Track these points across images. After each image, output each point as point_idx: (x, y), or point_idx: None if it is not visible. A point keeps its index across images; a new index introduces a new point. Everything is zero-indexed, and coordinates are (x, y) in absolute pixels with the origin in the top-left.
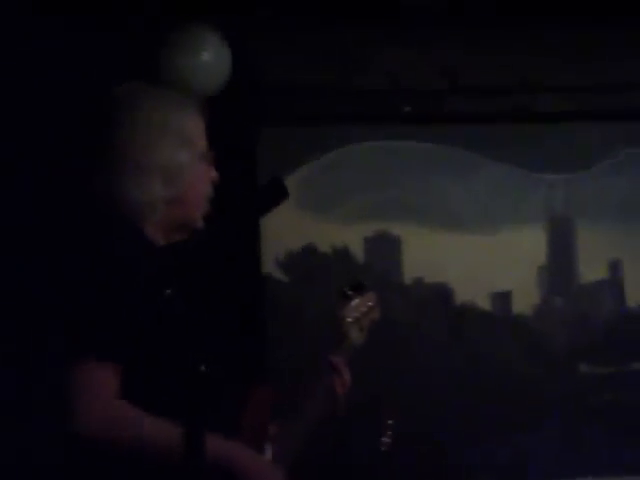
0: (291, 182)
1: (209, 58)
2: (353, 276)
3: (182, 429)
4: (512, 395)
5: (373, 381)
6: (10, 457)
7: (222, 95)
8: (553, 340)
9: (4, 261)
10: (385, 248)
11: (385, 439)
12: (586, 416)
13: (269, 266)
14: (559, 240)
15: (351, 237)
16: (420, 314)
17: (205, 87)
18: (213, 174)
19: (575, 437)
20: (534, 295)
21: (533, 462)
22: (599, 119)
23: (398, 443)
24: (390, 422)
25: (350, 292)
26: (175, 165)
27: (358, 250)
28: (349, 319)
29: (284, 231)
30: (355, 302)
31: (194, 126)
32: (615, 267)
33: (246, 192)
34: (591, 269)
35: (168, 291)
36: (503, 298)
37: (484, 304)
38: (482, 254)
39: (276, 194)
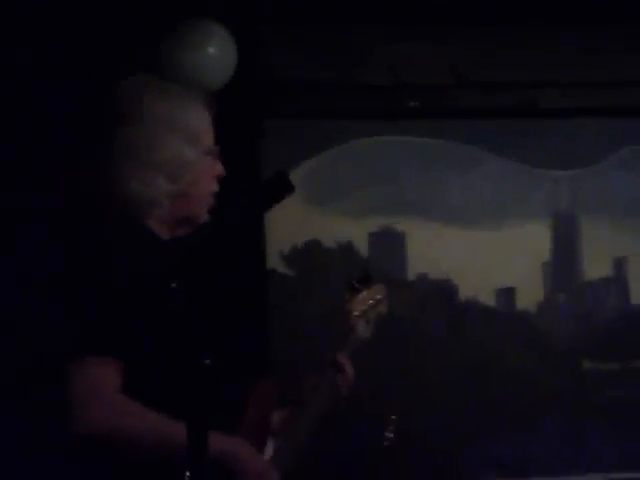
0: (295, 177)
1: (215, 52)
2: (362, 269)
3: (184, 424)
4: (514, 391)
5: (376, 376)
6: (11, 455)
7: (226, 89)
8: (556, 336)
9: (6, 255)
10: (389, 243)
11: (388, 434)
12: (588, 412)
13: (273, 260)
14: (563, 236)
15: (356, 232)
16: (424, 309)
17: (210, 81)
18: (219, 169)
19: (577, 433)
20: (538, 291)
21: (534, 458)
22: (604, 115)
23: (399, 439)
24: (393, 417)
25: (358, 285)
26: (180, 161)
27: (362, 245)
28: (356, 312)
29: (289, 226)
30: (362, 295)
31: (200, 121)
32: (619, 264)
33: (250, 186)
34: (595, 266)
35: (173, 285)
36: (507, 294)
37: (488, 300)
38: (486, 250)
39: (281, 188)
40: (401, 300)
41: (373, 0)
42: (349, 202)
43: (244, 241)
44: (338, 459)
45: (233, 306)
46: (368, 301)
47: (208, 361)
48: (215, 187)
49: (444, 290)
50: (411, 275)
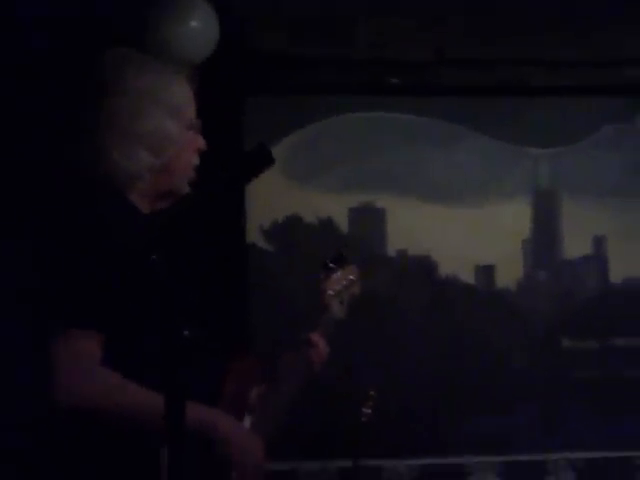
0: (277, 151)
1: (197, 26)
2: (336, 248)
3: (163, 395)
4: (494, 369)
5: (354, 352)
6: None
7: (208, 63)
8: (536, 314)
9: None
10: (370, 219)
11: (366, 410)
12: (567, 390)
13: (253, 235)
14: (544, 214)
15: (336, 208)
16: (403, 285)
17: (192, 55)
18: (200, 142)
19: (557, 412)
20: (518, 269)
21: (513, 435)
22: (586, 93)
23: (377, 415)
24: (372, 393)
25: (332, 265)
26: (162, 134)
27: (342, 221)
28: (330, 292)
29: (269, 201)
30: (337, 275)
31: (182, 94)
32: (599, 242)
33: (231, 159)
34: (575, 244)
35: (153, 257)
36: (487, 271)
37: (467, 277)
38: (467, 227)
39: (261, 160)
40: (380, 276)
41: None
42: (330, 178)
43: (224, 215)
44: (316, 436)
45: (213, 279)
46: (342, 281)
47: (187, 332)
48: (196, 161)
49: (424, 266)
50: (391, 251)
